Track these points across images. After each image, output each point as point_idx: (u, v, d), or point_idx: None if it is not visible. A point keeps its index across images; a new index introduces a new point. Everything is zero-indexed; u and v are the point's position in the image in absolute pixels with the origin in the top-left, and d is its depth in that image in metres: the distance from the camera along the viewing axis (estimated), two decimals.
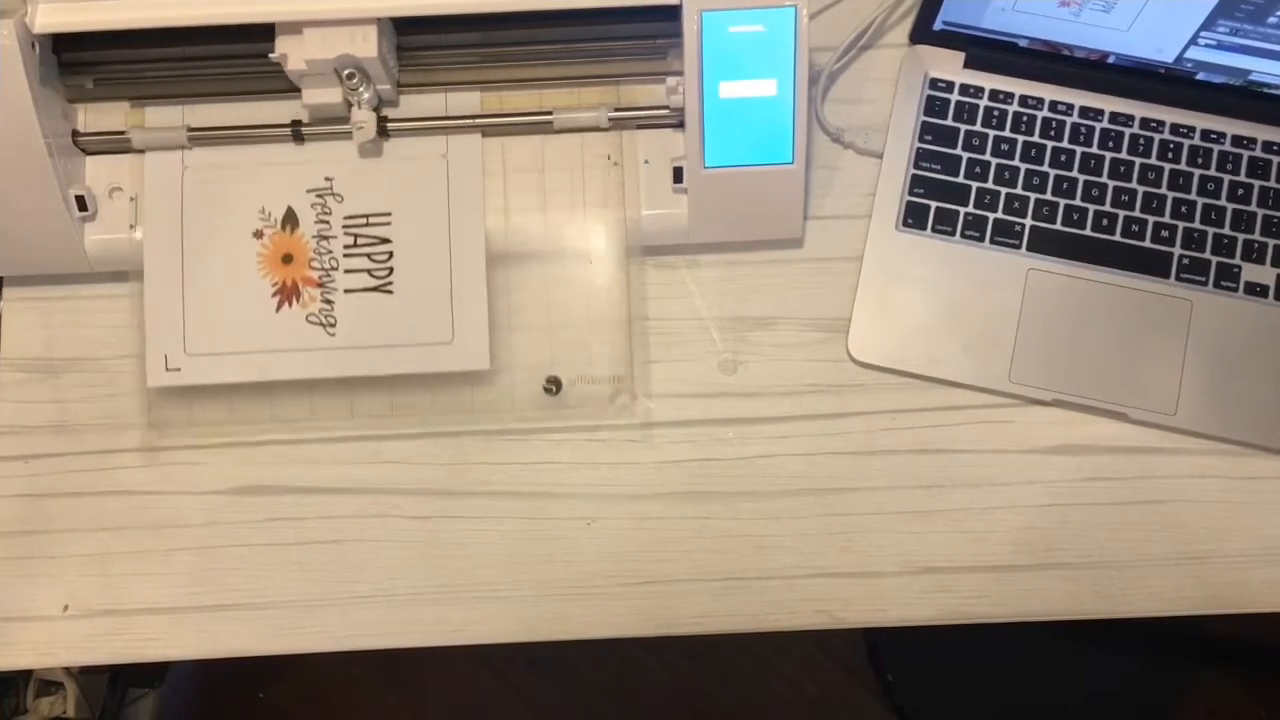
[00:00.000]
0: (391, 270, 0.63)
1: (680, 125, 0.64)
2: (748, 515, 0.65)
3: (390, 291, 0.63)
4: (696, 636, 0.63)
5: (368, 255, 0.63)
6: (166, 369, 0.62)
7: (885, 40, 0.71)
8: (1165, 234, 0.67)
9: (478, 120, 0.64)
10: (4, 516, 0.65)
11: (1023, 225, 0.67)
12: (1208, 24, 0.63)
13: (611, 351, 0.64)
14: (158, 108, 0.65)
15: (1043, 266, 0.67)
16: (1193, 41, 0.64)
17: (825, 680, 1.30)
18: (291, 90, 0.64)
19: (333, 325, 0.62)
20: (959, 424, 0.66)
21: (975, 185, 0.68)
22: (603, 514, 0.65)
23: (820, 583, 0.64)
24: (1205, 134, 0.68)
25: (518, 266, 0.64)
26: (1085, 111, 0.68)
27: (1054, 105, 0.68)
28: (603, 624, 0.63)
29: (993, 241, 0.67)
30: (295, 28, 0.59)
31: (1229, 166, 0.68)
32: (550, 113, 0.64)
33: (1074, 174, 0.68)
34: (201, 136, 0.64)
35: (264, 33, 0.62)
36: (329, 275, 0.63)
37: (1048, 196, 0.67)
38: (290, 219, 0.63)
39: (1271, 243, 0.67)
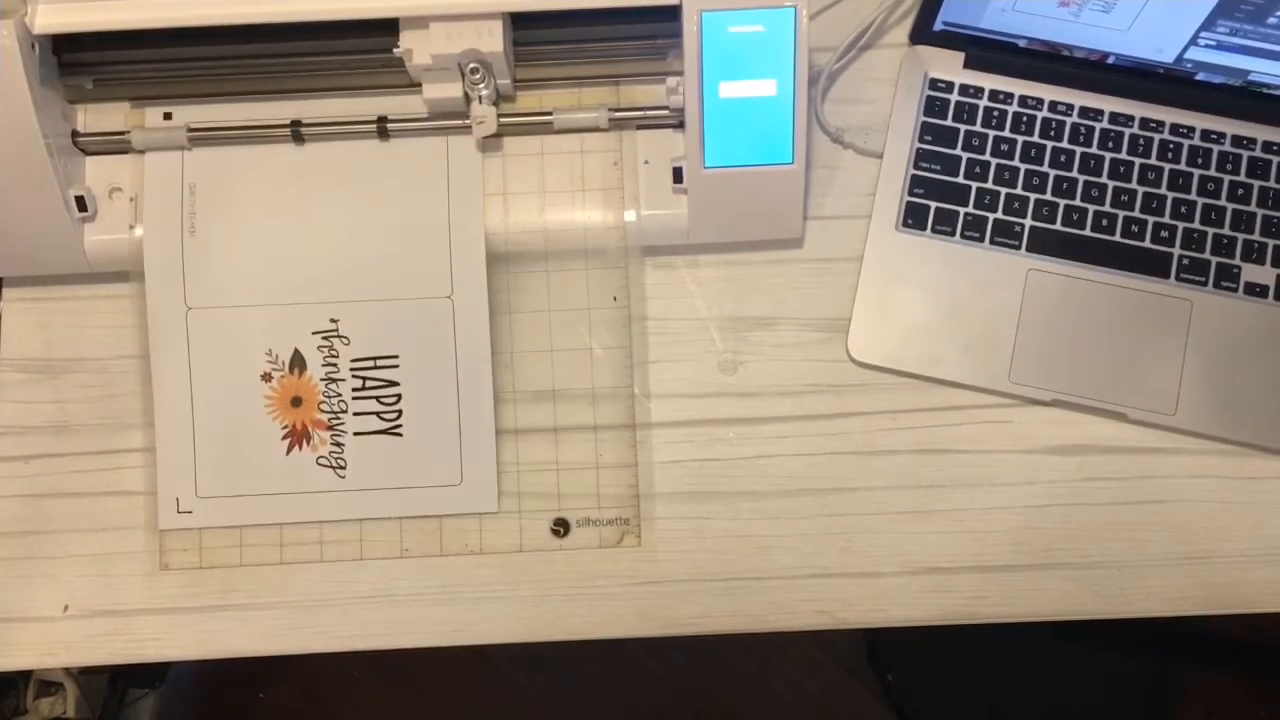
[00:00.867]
0: (400, 413, 0.63)
1: (680, 125, 0.64)
2: (748, 515, 0.65)
3: (400, 434, 0.63)
4: (696, 636, 0.63)
5: (376, 398, 0.63)
6: (178, 511, 0.63)
7: (885, 40, 0.71)
8: (1165, 234, 0.67)
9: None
10: (4, 516, 0.65)
11: (1022, 225, 0.67)
12: (1208, 24, 0.63)
13: (617, 485, 0.64)
14: (158, 108, 0.65)
15: (1043, 266, 0.67)
16: (1192, 42, 0.64)
17: (825, 680, 1.30)
18: (292, 90, 0.64)
19: (343, 468, 0.63)
20: (959, 424, 0.66)
21: (975, 185, 0.68)
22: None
23: (820, 583, 0.64)
24: (1205, 134, 0.68)
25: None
26: (1085, 112, 0.68)
27: (1054, 105, 0.68)
28: (603, 624, 0.63)
29: (993, 242, 0.67)
30: (422, 22, 0.59)
31: (1229, 167, 0.68)
32: (550, 113, 0.64)
33: (1074, 174, 0.68)
34: (201, 136, 0.64)
35: (265, 33, 0.62)
36: (338, 418, 0.63)
37: (1047, 197, 0.67)
38: (298, 362, 0.63)
39: (1271, 243, 0.67)
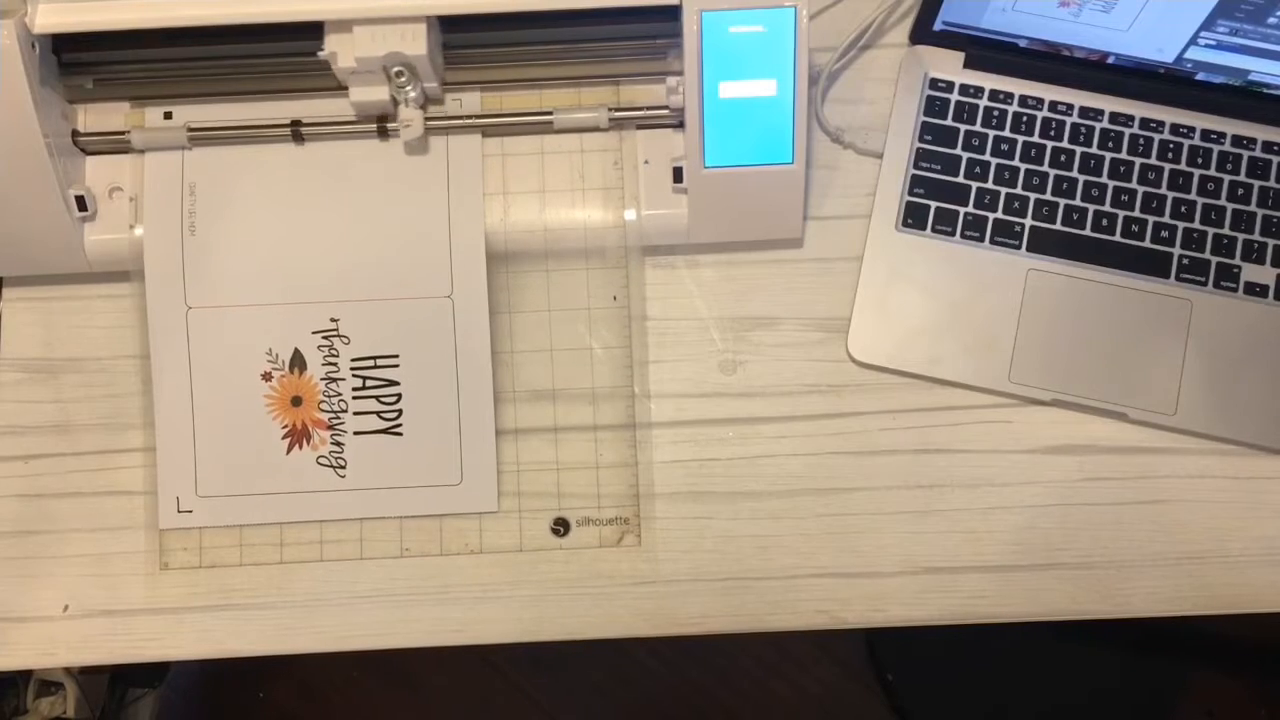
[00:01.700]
0: (400, 413, 0.63)
1: (680, 125, 0.64)
2: (748, 515, 0.65)
3: (400, 434, 0.63)
4: (696, 636, 0.63)
5: (376, 397, 0.63)
6: (179, 511, 0.63)
7: (885, 40, 0.71)
8: (1165, 234, 0.67)
9: (478, 120, 0.64)
10: (4, 516, 0.65)
11: (1023, 225, 0.67)
12: (1208, 24, 0.63)
13: (618, 485, 0.64)
14: (158, 107, 0.65)
15: (1043, 266, 0.67)
16: (1193, 41, 0.64)
17: (825, 680, 1.30)
18: (292, 90, 0.64)
19: (343, 467, 0.63)
20: (959, 424, 0.66)
21: (975, 185, 0.68)
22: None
23: (820, 583, 0.64)
24: (1205, 134, 0.68)
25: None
26: (1085, 111, 0.68)
27: (1054, 105, 0.68)
28: (603, 624, 0.63)
29: (993, 241, 0.67)
30: (345, 26, 0.59)
31: (1229, 166, 0.68)
32: (550, 113, 0.64)
33: (1074, 174, 0.68)
34: (201, 136, 0.64)
35: (264, 32, 0.62)
36: (339, 417, 0.63)
37: (1047, 196, 0.67)
38: (298, 361, 0.63)
39: (1271, 243, 0.67)
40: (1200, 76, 0.68)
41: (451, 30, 0.62)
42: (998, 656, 1.24)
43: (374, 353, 0.63)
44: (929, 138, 0.68)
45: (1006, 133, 0.68)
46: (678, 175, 0.64)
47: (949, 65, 0.69)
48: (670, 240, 0.66)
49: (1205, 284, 0.66)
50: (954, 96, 0.69)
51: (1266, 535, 0.64)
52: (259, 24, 0.60)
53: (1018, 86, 0.69)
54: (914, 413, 0.66)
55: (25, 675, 1.05)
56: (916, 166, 0.68)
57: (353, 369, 0.63)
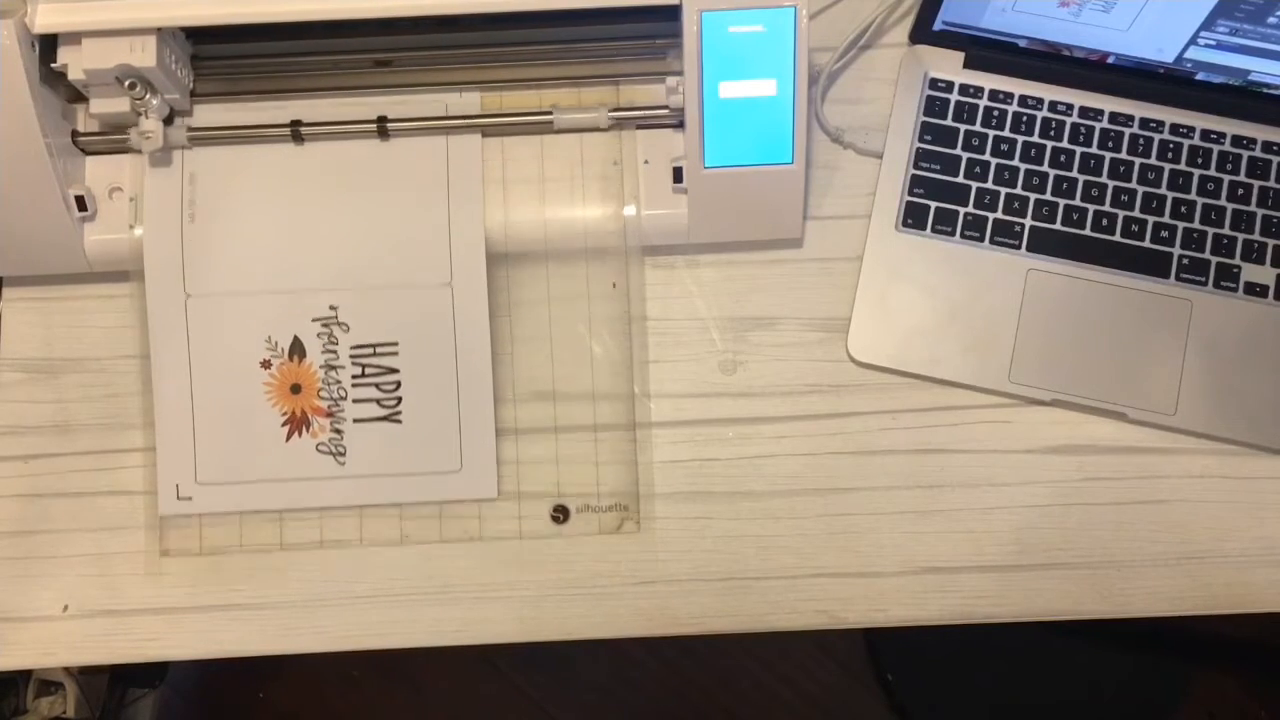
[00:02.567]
0: (400, 400, 0.63)
1: (680, 125, 0.64)
2: (748, 515, 0.65)
3: (399, 421, 0.63)
4: (696, 636, 0.63)
5: (376, 385, 0.63)
6: (178, 497, 0.63)
7: (885, 40, 0.71)
8: (1165, 234, 0.67)
9: (478, 120, 0.64)
10: (4, 516, 0.65)
11: (1022, 225, 0.67)
12: (1207, 24, 0.63)
13: (617, 479, 0.64)
14: None
15: (1043, 266, 0.67)
16: (1192, 41, 0.64)
17: (825, 680, 1.30)
18: (292, 90, 0.64)
19: (342, 455, 0.63)
20: (959, 424, 0.66)
21: (975, 185, 0.68)
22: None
23: (820, 583, 0.64)
24: (1205, 134, 0.68)
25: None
26: (1085, 111, 0.68)
27: (1054, 105, 0.68)
28: (603, 624, 0.63)
29: (993, 241, 0.67)
30: (75, 38, 0.59)
31: (1229, 166, 0.68)
32: (550, 113, 0.64)
33: (1074, 174, 0.68)
34: (201, 136, 0.64)
35: (264, 32, 0.62)
36: (338, 405, 0.63)
37: (1047, 196, 0.67)
38: (297, 349, 0.63)
39: (1271, 243, 0.67)
40: (1200, 76, 0.68)
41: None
42: (998, 656, 1.24)
43: (373, 340, 0.63)
44: (929, 138, 0.68)
45: (1006, 133, 0.68)
46: (678, 175, 0.64)
47: (949, 65, 0.69)
48: (670, 240, 0.66)
49: (1205, 284, 0.66)
50: (954, 96, 0.69)
51: (1266, 535, 0.64)
52: (258, 24, 0.59)
53: (1018, 86, 0.69)
54: (914, 413, 0.66)
55: (25, 675, 1.05)
56: (916, 166, 0.68)
57: (352, 356, 0.63)
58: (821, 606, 0.63)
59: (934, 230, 0.67)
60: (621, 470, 0.64)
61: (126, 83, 0.60)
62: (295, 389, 0.63)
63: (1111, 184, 0.68)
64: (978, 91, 0.69)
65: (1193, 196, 0.67)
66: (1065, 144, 0.68)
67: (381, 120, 0.63)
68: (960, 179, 0.68)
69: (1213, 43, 0.64)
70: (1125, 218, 0.67)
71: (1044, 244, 0.67)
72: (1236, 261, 0.67)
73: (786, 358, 0.67)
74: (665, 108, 0.63)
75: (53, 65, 0.59)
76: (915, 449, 0.65)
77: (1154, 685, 1.26)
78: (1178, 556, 0.64)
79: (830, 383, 0.66)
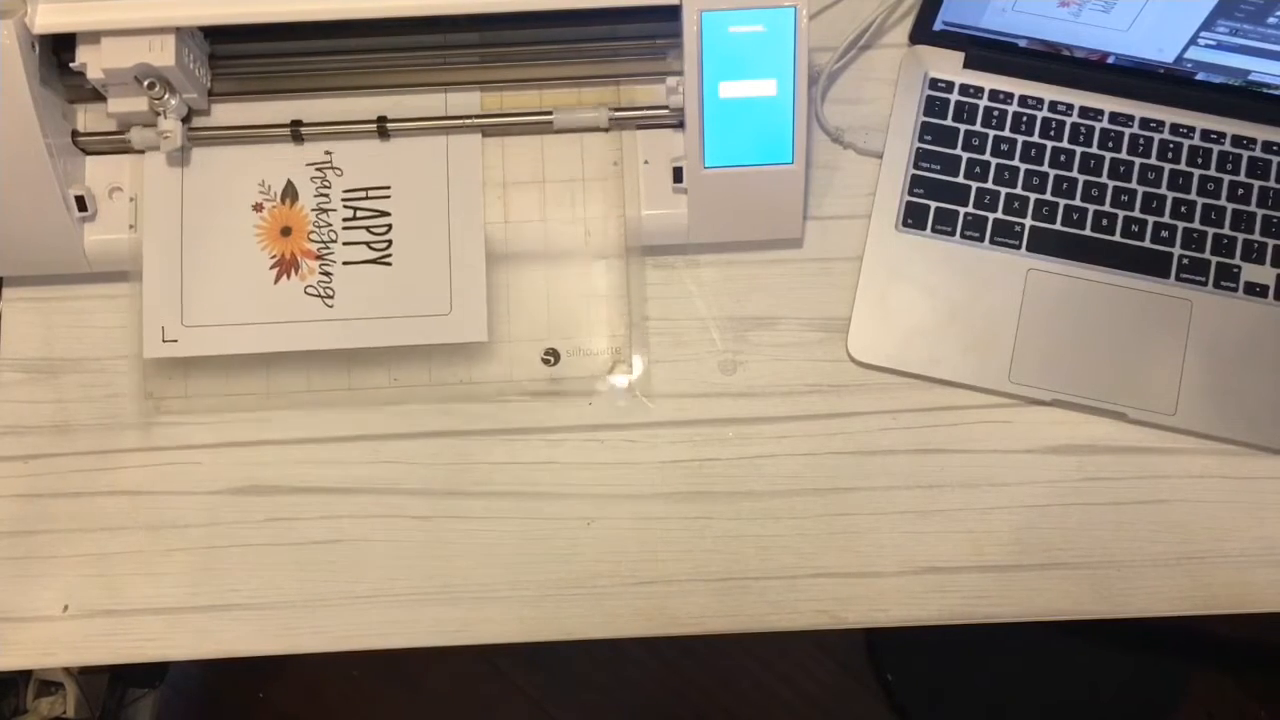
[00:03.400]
0: (390, 243, 0.63)
1: (680, 125, 0.64)
2: (748, 515, 0.65)
3: (389, 264, 0.63)
4: (696, 636, 0.63)
5: (366, 228, 0.63)
6: (163, 340, 0.62)
7: (885, 40, 0.71)
8: (1165, 234, 0.67)
9: (478, 120, 0.64)
10: (4, 516, 0.65)
11: (1022, 225, 0.67)
12: (1207, 24, 0.63)
13: (609, 323, 0.64)
14: None
15: (1043, 266, 0.67)
16: (1192, 41, 0.64)
17: (825, 680, 1.30)
18: (294, 91, 0.64)
19: (331, 297, 0.62)
20: (959, 424, 0.66)
21: (975, 185, 0.68)
22: (603, 514, 0.65)
23: (820, 583, 0.64)
24: (1205, 134, 0.68)
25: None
26: (1085, 111, 0.68)
27: (1054, 105, 0.68)
28: (603, 624, 0.63)
29: (993, 241, 0.67)
30: (94, 37, 0.59)
31: (1229, 166, 0.68)
32: (550, 113, 0.64)
33: (1074, 174, 0.68)
34: (201, 136, 0.64)
35: (263, 32, 0.62)
36: (328, 248, 0.63)
37: (1047, 196, 0.67)
38: (290, 192, 0.63)
39: (1271, 243, 0.67)
40: (1200, 76, 0.68)
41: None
42: (998, 656, 1.24)
43: (366, 184, 0.63)
44: (929, 138, 0.68)
45: (1006, 133, 0.68)
46: (678, 175, 0.64)
47: (949, 65, 0.69)
48: (670, 240, 0.66)
49: (1205, 284, 0.66)
50: (954, 96, 0.69)
51: (1266, 535, 0.64)
52: (259, 24, 0.60)
53: (1018, 86, 0.69)
54: (914, 413, 0.66)
55: (25, 675, 1.05)
56: (916, 166, 0.68)
57: (344, 200, 0.63)
58: (821, 606, 0.63)
59: (934, 230, 0.67)
60: (614, 311, 0.64)
61: (145, 82, 0.60)
62: (286, 231, 0.63)
63: (1111, 184, 0.68)
64: (978, 91, 0.69)
65: (1193, 196, 0.67)
66: (1065, 144, 0.68)
67: (381, 120, 0.63)
68: (960, 179, 0.68)
69: (1213, 43, 0.64)
70: (1125, 218, 0.67)
71: (1044, 244, 0.67)
72: (1236, 261, 0.67)
73: (786, 358, 0.67)
74: (665, 108, 0.63)
75: (71, 65, 0.59)
76: (915, 449, 0.65)
77: (1154, 685, 1.26)
78: (1178, 556, 0.64)
79: (830, 383, 0.66)
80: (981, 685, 1.25)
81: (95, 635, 0.63)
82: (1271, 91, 0.67)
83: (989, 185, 0.68)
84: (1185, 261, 0.67)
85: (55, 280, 0.67)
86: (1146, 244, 0.67)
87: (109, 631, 0.63)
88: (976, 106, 0.68)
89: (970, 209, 0.67)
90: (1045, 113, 0.68)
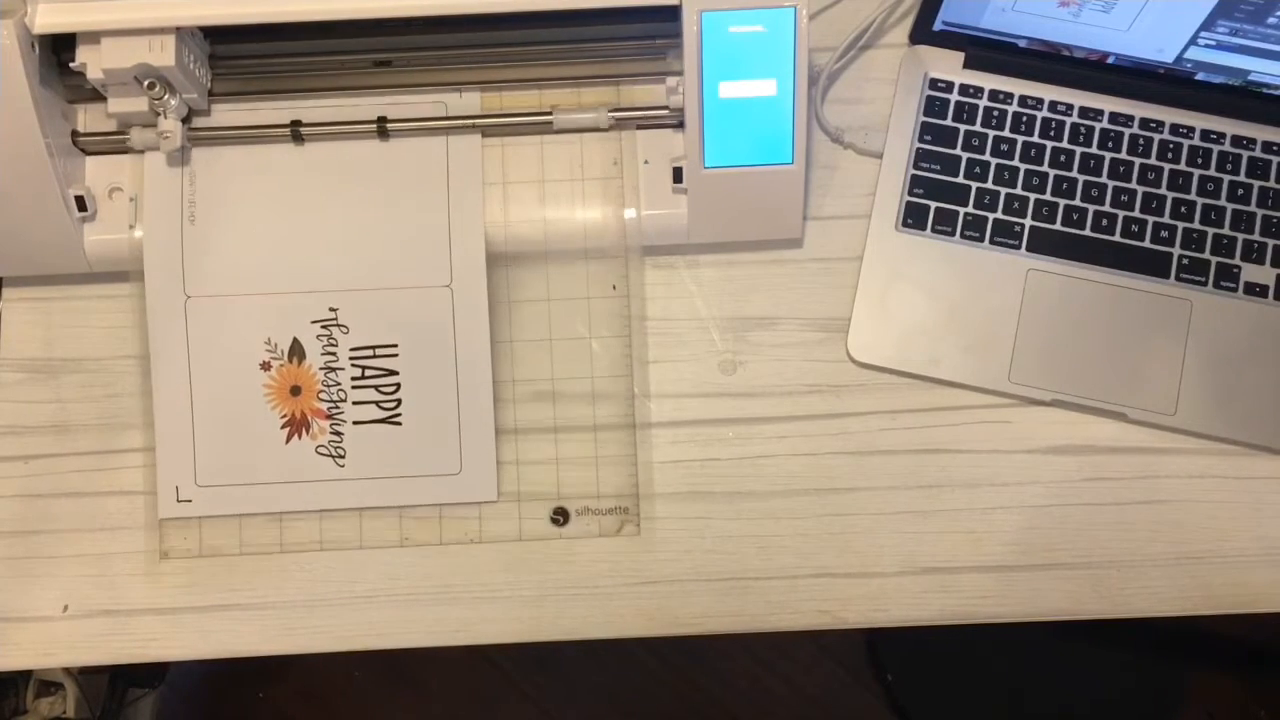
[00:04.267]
0: (399, 402, 0.63)
1: (680, 125, 0.64)
2: (748, 515, 0.65)
3: (399, 423, 0.63)
4: (696, 636, 0.63)
5: (375, 387, 0.63)
6: (178, 500, 0.63)
7: (885, 40, 0.71)
8: (1165, 234, 0.67)
9: (478, 120, 0.64)
10: (4, 516, 0.65)
11: (1022, 225, 0.67)
12: (1207, 24, 0.63)
13: (617, 480, 0.64)
14: None
15: (1042, 266, 0.67)
16: (1192, 42, 0.64)
17: (825, 680, 1.30)
18: (292, 90, 0.64)
19: (342, 457, 0.63)
20: (959, 424, 0.66)
21: (975, 185, 0.68)
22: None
23: (820, 583, 0.64)
24: (1205, 134, 0.68)
25: (523, 409, 0.65)
26: (1085, 112, 0.68)
27: (1054, 105, 0.68)
28: (603, 624, 0.63)
29: (992, 241, 0.67)
30: (93, 37, 0.59)
31: (1229, 167, 0.68)
32: (550, 113, 0.64)
33: (1073, 174, 0.68)
34: (201, 136, 0.64)
35: (263, 33, 0.62)
36: (338, 407, 0.63)
37: (1047, 197, 0.67)
38: (297, 351, 0.63)
39: (1271, 243, 0.67)
40: (1200, 76, 0.68)
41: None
42: (998, 656, 1.24)
43: (373, 342, 0.63)
44: (929, 138, 0.68)
45: (1006, 133, 0.68)
46: (678, 175, 0.64)
47: (949, 65, 0.69)
48: (670, 240, 0.66)
49: (1205, 284, 0.66)
50: (954, 96, 0.69)
51: (1266, 535, 0.64)
52: (258, 24, 0.59)
53: (1018, 86, 0.69)
54: (914, 413, 0.66)
55: (25, 675, 1.05)
56: (916, 166, 0.68)
57: (352, 358, 0.63)
58: (821, 606, 0.63)
59: (934, 230, 0.67)
60: (622, 472, 0.64)
61: (146, 82, 0.60)
62: (295, 391, 0.63)
63: (1111, 184, 0.68)
64: (978, 92, 0.69)
65: (1193, 196, 0.67)
66: (1065, 144, 0.68)
67: (381, 120, 0.63)
68: (960, 179, 0.68)
69: (1213, 43, 0.64)
70: (1125, 218, 0.67)
71: (1044, 244, 0.67)
72: (1236, 261, 0.67)
73: (786, 358, 0.67)
74: (665, 108, 0.63)
75: (71, 64, 0.59)
76: (915, 449, 0.65)
77: (1154, 685, 1.26)
78: (1178, 556, 0.64)
79: (830, 383, 0.66)
80: (981, 685, 1.25)
81: (95, 635, 0.63)
82: (1271, 91, 0.67)
83: (989, 185, 0.68)
84: (1185, 261, 0.67)
85: (55, 280, 0.67)
86: (1146, 244, 0.67)
87: (109, 631, 0.63)
88: (976, 106, 0.68)
89: (970, 209, 0.67)
90: (1045, 113, 0.68)
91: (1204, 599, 0.64)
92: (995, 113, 0.68)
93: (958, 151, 0.68)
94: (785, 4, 0.59)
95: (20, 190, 0.61)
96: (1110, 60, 0.68)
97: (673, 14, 0.60)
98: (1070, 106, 0.68)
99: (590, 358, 0.65)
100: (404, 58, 0.64)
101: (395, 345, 0.63)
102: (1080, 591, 0.64)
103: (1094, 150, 0.68)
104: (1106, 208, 0.67)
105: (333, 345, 0.63)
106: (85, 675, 1.08)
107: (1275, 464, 0.65)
